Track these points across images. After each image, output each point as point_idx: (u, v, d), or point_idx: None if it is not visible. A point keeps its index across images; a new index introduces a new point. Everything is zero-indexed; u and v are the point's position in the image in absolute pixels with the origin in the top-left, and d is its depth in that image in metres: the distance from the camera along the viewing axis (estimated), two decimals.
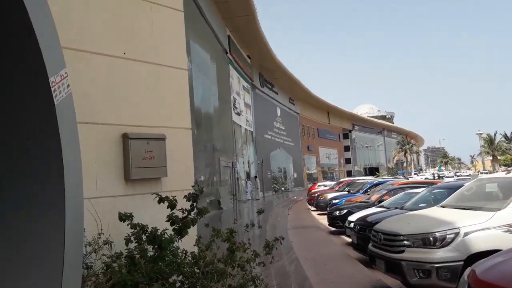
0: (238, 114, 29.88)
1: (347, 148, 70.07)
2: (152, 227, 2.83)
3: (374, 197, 13.45)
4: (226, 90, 26.60)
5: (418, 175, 62.33)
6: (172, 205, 2.81)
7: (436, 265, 4.54)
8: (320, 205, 19.49)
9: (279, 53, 44.40)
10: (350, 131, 71.38)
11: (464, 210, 5.27)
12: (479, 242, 4.56)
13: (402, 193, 11.59)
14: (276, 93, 42.78)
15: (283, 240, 3.61)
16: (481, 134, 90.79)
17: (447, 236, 4.64)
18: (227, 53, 27.10)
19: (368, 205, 12.46)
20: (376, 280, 6.41)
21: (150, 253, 2.74)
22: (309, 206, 23.22)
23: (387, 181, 18.14)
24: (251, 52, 33.24)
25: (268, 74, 39.50)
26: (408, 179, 28.55)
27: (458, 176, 55.79)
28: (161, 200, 2.88)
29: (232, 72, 28.74)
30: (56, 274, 1.86)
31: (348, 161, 69.98)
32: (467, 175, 60.33)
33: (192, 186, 3.21)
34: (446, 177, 48.08)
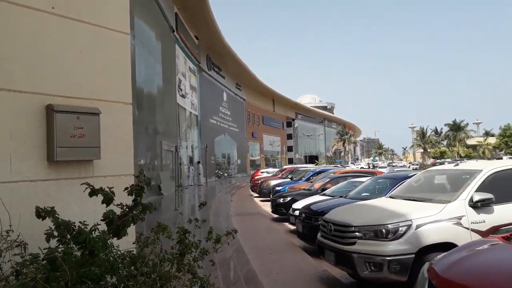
0: (183, 96, 28.88)
1: (289, 136, 71.27)
2: (80, 224, 2.26)
3: (317, 185, 13.55)
4: (171, 70, 25.49)
5: (354, 165, 65.15)
6: (108, 199, 2.25)
7: (388, 258, 4.43)
8: (263, 191, 19.46)
9: (228, 37, 43.49)
10: (293, 119, 72.58)
11: (415, 202, 5.24)
12: (430, 234, 4.52)
13: (345, 182, 11.74)
14: (223, 77, 42.04)
15: (236, 233, 3.22)
16: (413, 127, 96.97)
17: (400, 228, 4.54)
18: (173, 31, 25.90)
19: (311, 192, 12.50)
20: (322, 271, 6.28)
21: (77, 253, 2.21)
22: (252, 193, 23.14)
23: (329, 169, 18.49)
24: (199, 33, 32.15)
25: (216, 57, 38.61)
26: (345, 168, 29.54)
27: (392, 166, 59.07)
28: (93, 192, 2.30)
29: (178, 52, 27.59)
30: None
31: (290, 149, 71.27)
32: (401, 166, 64.15)
33: (136, 176, 2.64)
34: (380, 167, 50.72)
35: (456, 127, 79.62)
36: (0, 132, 2.71)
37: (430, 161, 72.19)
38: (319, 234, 5.75)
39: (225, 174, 41.60)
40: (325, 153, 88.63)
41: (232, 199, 19.35)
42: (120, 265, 2.43)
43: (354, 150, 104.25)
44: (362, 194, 8.94)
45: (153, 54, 21.12)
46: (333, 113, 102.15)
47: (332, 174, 15.69)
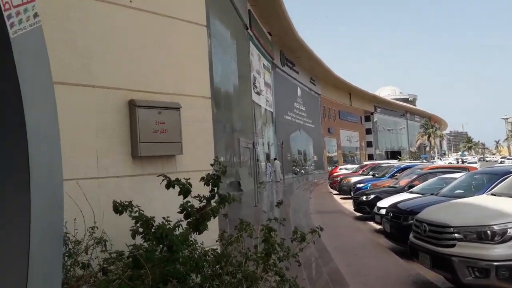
0: (258, 93, 29.13)
1: (368, 131, 68.54)
2: (163, 220, 2.19)
3: (403, 182, 12.67)
4: (246, 68, 25.82)
5: (441, 160, 60.64)
6: (185, 190, 2.16)
7: (496, 263, 3.85)
8: (343, 189, 18.82)
9: (300, 31, 43.03)
10: (372, 113, 69.66)
11: None
12: None
13: (435, 178, 10.78)
14: (297, 73, 41.65)
15: (321, 231, 2.97)
16: (507, 118, 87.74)
17: (509, 230, 3.93)
18: (247, 28, 26.17)
19: (397, 190, 11.72)
20: (415, 274, 5.75)
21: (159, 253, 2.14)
22: (331, 190, 22.55)
23: (415, 165, 17.25)
24: (272, 29, 32.15)
25: (289, 53, 38.37)
26: (431, 163, 27.47)
27: (486, 161, 53.90)
28: (169, 184, 2.22)
29: (253, 50, 27.86)
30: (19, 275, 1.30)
31: (369, 144, 68.54)
32: (494, 161, 58.37)
33: (212, 165, 2.52)
34: (469, 162, 46.63)
35: None
36: (86, 129, 2.76)
37: None
38: (411, 235, 5.25)
39: (302, 171, 41.26)
40: (408, 148, 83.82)
41: (311, 196, 19.01)
42: (204, 263, 2.33)
43: (441, 144, 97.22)
44: (456, 192, 8.09)
45: (229, 52, 21.52)
46: (415, 105, 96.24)
47: (419, 170, 14.62)
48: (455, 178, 9.53)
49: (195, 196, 2.18)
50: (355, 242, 8.35)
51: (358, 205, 12.31)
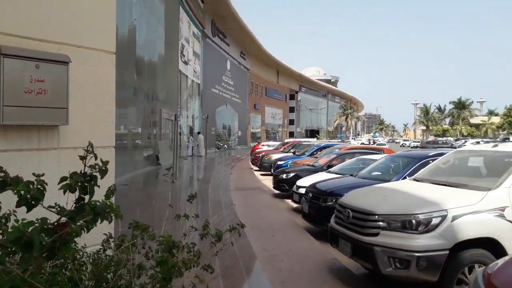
0: (186, 63, 27.78)
1: (292, 109, 70.16)
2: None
3: (322, 161, 12.87)
4: (174, 34, 24.31)
5: (355, 140, 64.48)
6: (30, 199, 1.21)
7: (417, 254, 3.74)
8: (264, 165, 18.84)
9: (235, 2, 41.73)
10: (297, 92, 71.29)
11: (447, 187, 4.51)
12: (468, 228, 3.81)
13: (354, 159, 11.04)
14: (228, 45, 40.63)
15: (243, 228, 2.51)
16: (416, 104, 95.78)
17: (433, 219, 3.84)
18: None
19: (316, 169, 11.85)
20: (331, 259, 5.65)
21: None
22: (252, 166, 22.53)
23: (334, 144, 17.78)
24: None
25: (221, 23, 37.12)
26: (346, 143, 28.80)
27: (395, 143, 58.45)
28: (4, 184, 1.29)
29: (182, 16, 26.29)
30: None
31: (291, 122, 70.33)
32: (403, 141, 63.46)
33: (82, 158, 1.48)
34: (378, 143, 50.29)
35: (461, 105, 78.45)
36: None
37: (431, 138, 71.46)
38: (332, 220, 5.06)
39: (225, 146, 40.96)
40: (326, 127, 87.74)
41: (232, 172, 18.73)
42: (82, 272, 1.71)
43: (355, 125, 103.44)
44: (374, 174, 8.25)
45: (155, 15, 19.95)
46: (337, 87, 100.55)
47: (337, 150, 15.01)
48: (374, 160, 9.78)
49: (50, 207, 1.39)
50: (273, 221, 8.15)
51: (277, 183, 12.26)
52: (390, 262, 3.89)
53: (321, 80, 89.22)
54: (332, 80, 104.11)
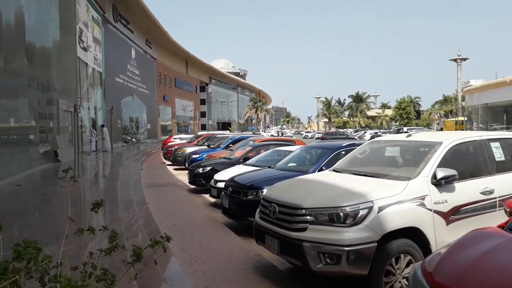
0: (85, 49, 25.46)
1: (203, 102, 69.46)
2: None
3: (238, 154, 12.68)
4: (71, 17, 22.04)
5: (265, 132, 66.25)
6: None
7: (347, 248, 3.64)
8: (178, 159, 18.13)
9: None
10: (207, 84, 70.67)
11: (368, 178, 4.52)
12: (394, 218, 3.82)
13: (269, 151, 11.01)
14: (132, 32, 38.31)
15: (169, 241, 2.11)
16: (319, 98, 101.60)
17: (360, 211, 3.77)
18: None
19: (232, 162, 11.62)
20: (255, 255, 5.41)
21: None
22: (165, 161, 21.59)
23: (248, 137, 17.74)
24: None
25: (124, 9, 34.82)
26: (258, 135, 29.28)
27: (302, 134, 61.32)
28: None
29: None
30: None
31: (203, 114, 69.60)
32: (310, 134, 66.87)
33: None
34: (285, 135, 52.51)
35: (358, 99, 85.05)
36: None
37: (332, 130, 76.40)
38: (257, 216, 4.80)
39: (133, 140, 38.89)
40: (238, 120, 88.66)
41: (143, 168, 17.69)
42: None
43: (265, 118, 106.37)
44: (291, 165, 8.25)
45: None
46: (245, 80, 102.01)
47: (252, 142, 14.96)
48: (289, 151, 9.82)
49: None
50: (191, 219, 7.70)
51: (193, 178, 11.76)
52: (320, 258, 3.74)
53: (230, 73, 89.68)
54: (241, 73, 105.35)
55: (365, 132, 51.05)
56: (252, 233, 6.74)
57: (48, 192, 10.38)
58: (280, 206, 4.23)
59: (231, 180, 7.81)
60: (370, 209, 3.77)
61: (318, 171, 6.86)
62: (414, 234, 3.92)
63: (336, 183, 4.49)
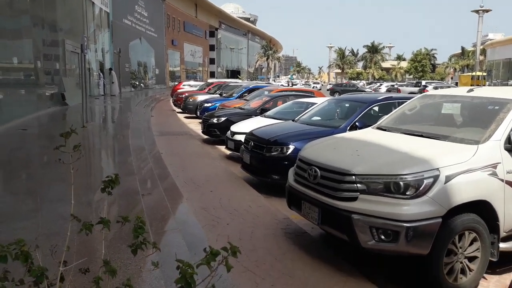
0: None
1: (212, 48, 67.41)
2: None
3: (254, 104, 11.97)
4: None
5: (275, 82, 64.66)
6: None
7: (407, 224, 3.07)
8: (189, 107, 17.47)
9: None
10: (216, 29, 68.17)
11: (424, 139, 3.85)
12: (462, 190, 3.21)
13: (290, 103, 10.28)
14: None
15: (235, 255, 1.46)
16: (331, 47, 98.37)
17: (424, 181, 3.15)
18: None
19: (249, 112, 10.96)
20: (283, 219, 4.91)
21: None
22: (175, 108, 20.95)
23: (263, 86, 16.89)
24: None
25: None
26: (272, 85, 28.21)
27: (308, 85, 59.78)
28: None
29: None
30: None
31: (212, 61, 67.83)
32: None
33: None
34: (294, 85, 51.15)
35: (373, 49, 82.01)
36: None
37: (344, 81, 74.55)
38: (291, 177, 4.20)
39: (141, 85, 38.03)
40: (247, 68, 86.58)
41: (153, 115, 17.09)
42: None
43: (275, 67, 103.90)
44: (317, 119, 7.55)
45: None
46: (256, 26, 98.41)
47: (267, 92, 14.18)
48: (311, 103, 9.10)
49: None
50: (208, 173, 7.19)
51: (207, 128, 11.17)
52: (373, 233, 3.19)
53: (240, 18, 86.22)
54: (251, 19, 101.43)
55: (381, 84, 49.29)
56: (276, 192, 6.32)
57: (54, 138, 9.89)
58: (323, 170, 3.62)
59: (252, 133, 7.18)
60: (436, 178, 3.15)
61: (351, 127, 6.22)
62: (481, 208, 3.33)
63: (389, 144, 3.83)
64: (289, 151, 6.14)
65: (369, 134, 4.39)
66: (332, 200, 3.45)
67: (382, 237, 3.15)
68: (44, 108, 14.26)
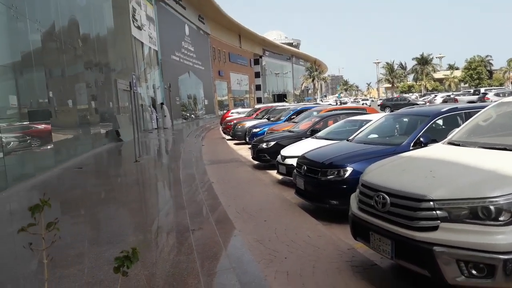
0: (139, 28, 25.27)
1: (257, 74, 68.47)
2: None
3: (303, 126, 11.59)
4: None
5: (322, 102, 63.77)
6: None
7: (505, 256, 2.51)
8: (238, 134, 17.45)
9: None
10: (261, 56, 69.36)
11: (509, 152, 3.27)
12: None
13: (341, 122, 9.78)
14: (184, 8, 37.79)
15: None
16: (378, 62, 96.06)
17: None
18: None
19: (299, 135, 10.59)
20: (347, 250, 4.41)
21: None
22: (224, 135, 21.08)
23: (311, 107, 16.50)
24: None
25: None
26: (322, 105, 27.64)
27: (359, 102, 58.22)
28: None
29: None
30: None
31: (258, 87, 68.71)
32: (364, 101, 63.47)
33: None
34: (342, 103, 49.92)
35: (423, 61, 79.01)
36: None
37: (395, 95, 72.07)
38: (354, 206, 3.74)
39: (192, 116, 39.07)
40: (293, 91, 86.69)
41: (203, 144, 17.23)
42: None
43: (321, 87, 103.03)
44: (375, 137, 7.01)
45: None
46: (299, 50, 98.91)
47: (316, 112, 13.78)
48: (366, 121, 8.57)
49: None
50: (261, 201, 6.84)
51: (257, 153, 10.93)
52: (461, 268, 2.65)
53: (283, 43, 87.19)
54: (294, 44, 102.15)
55: (435, 95, 46.74)
56: (335, 218, 5.82)
57: (108, 175, 10.04)
58: (393, 197, 3.14)
59: (304, 157, 6.78)
60: None
61: (414, 144, 5.64)
62: None
63: (468, 162, 3.28)
64: (347, 174, 5.66)
65: (441, 151, 3.83)
66: (407, 231, 2.95)
67: (474, 272, 2.61)
68: (100, 146, 14.82)
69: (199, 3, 40.42)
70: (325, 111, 13.25)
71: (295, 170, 6.81)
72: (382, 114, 9.08)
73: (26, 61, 9.46)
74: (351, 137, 7.45)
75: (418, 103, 38.00)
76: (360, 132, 7.47)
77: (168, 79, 31.01)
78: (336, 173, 5.77)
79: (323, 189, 5.89)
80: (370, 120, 8.41)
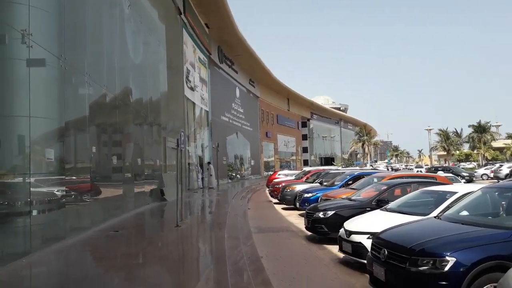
0: (192, 89, 25.67)
1: (304, 137, 68.02)
2: None
3: (366, 194, 10.15)
4: (178, 57, 22.29)
5: (372, 167, 61.26)
6: None
7: None
8: (287, 198, 16.17)
9: (242, 26, 40.21)
10: (308, 119, 69.30)
11: None
12: None
13: (417, 192, 8.27)
14: (236, 72, 38.80)
15: None
16: (430, 129, 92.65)
17: None
18: (180, 13, 22.70)
19: (362, 205, 9.16)
20: None
21: None
22: (271, 198, 19.82)
23: (371, 173, 15.01)
24: (210, 21, 28.96)
25: (228, 49, 35.38)
26: (380, 171, 25.81)
27: (416, 168, 55.10)
28: None
29: (186, 39, 24.40)
30: None
31: (305, 150, 67.87)
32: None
33: None
34: (393, 169, 47.40)
35: (481, 129, 75.04)
36: None
37: (451, 163, 68.13)
38: None
39: (238, 176, 38.40)
40: (341, 154, 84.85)
41: (249, 207, 16.03)
42: None
43: (371, 152, 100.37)
44: (464, 213, 5.55)
45: (155, 34, 17.91)
46: (347, 114, 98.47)
47: (376, 179, 12.32)
48: (451, 193, 7.09)
49: None
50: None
51: (312, 223, 9.52)
52: None
53: (331, 108, 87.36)
54: (341, 108, 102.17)
55: (501, 165, 42.50)
56: None
57: (142, 243, 8.90)
58: None
59: (380, 237, 5.37)
60: None
61: None
62: None
63: None
64: (448, 266, 4.20)
65: None
66: None
67: None
68: (143, 205, 14.07)
69: (251, 68, 41.44)
70: (389, 178, 11.79)
71: (370, 253, 5.39)
72: (472, 185, 7.54)
73: (74, 115, 9.09)
74: (437, 213, 6.00)
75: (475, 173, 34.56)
76: (449, 207, 6.01)
77: (217, 139, 30.91)
78: (431, 263, 4.33)
79: (414, 282, 4.42)
80: (456, 192, 6.97)
